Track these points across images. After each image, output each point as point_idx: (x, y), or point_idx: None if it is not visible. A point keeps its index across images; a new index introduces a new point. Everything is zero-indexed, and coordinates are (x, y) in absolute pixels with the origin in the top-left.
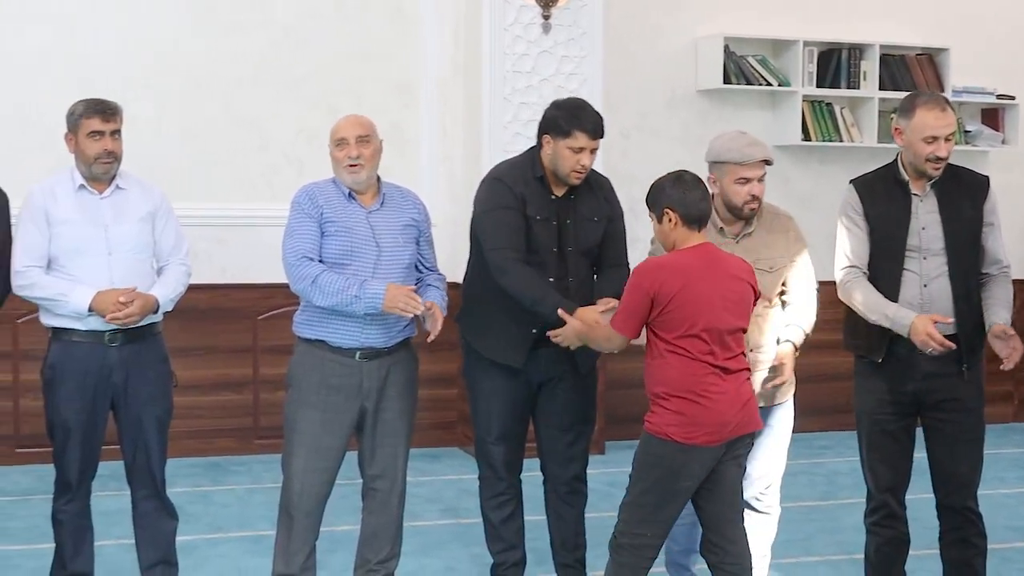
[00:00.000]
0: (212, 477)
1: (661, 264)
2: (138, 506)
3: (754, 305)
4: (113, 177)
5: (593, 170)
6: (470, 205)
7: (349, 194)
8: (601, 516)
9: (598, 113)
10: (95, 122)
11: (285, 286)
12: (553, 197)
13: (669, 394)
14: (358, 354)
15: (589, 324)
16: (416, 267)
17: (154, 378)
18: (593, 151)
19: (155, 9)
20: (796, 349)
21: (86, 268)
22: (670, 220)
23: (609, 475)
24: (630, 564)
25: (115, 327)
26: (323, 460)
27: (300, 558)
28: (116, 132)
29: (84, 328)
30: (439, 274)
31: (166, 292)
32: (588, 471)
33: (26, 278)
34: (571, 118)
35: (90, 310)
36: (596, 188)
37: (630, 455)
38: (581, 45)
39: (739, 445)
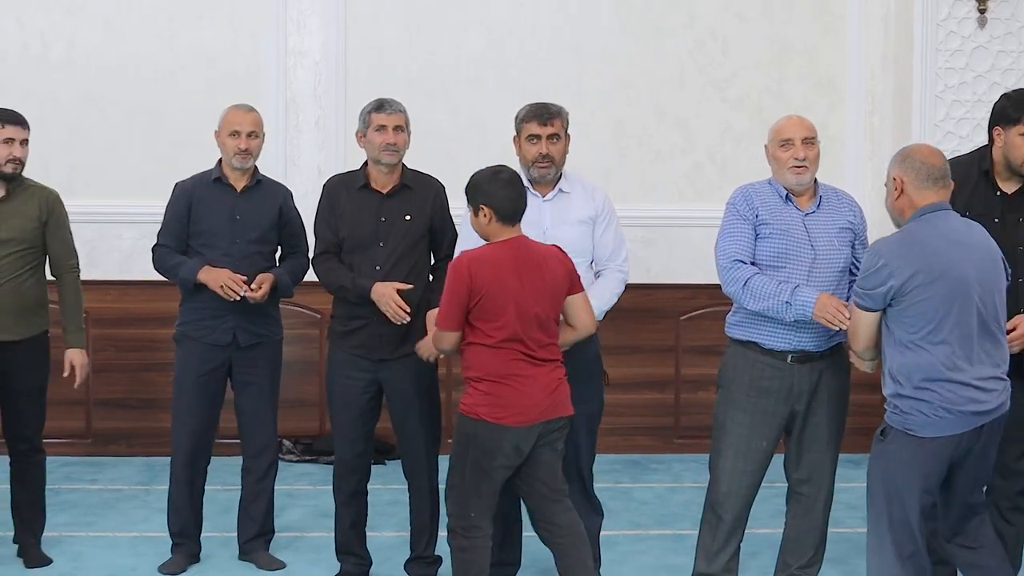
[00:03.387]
0: (632, 474)
1: (475, 257)
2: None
3: (570, 289)
4: (557, 180)
5: None
6: None
7: (786, 196)
8: None
9: None
10: (533, 126)
11: (709, 286)
12: (998, 193)
13: (481, 378)
14: (790, 357)
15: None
16: (850, 270)
17: (587, 376)
18: None
19: (584, 13)
20: None
21: None
22: (485, 215)
23: None
24: (469, 548)
25: None
26: (751, 462)
27: (723, 558)
28: (553, 136)
29: None
30: None
31: (601, 305)
32: None
33: None
34: (1020, 104)
35: None
36: None
37: None
38: (1020, 39)
39: (551, 430)
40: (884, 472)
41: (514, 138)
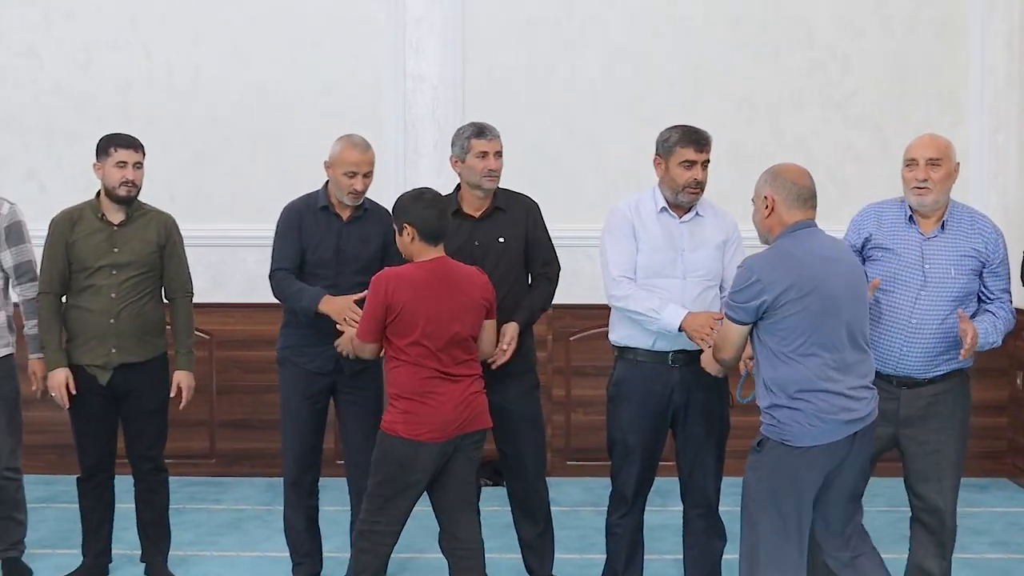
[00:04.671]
0: None
1: (395, 274)
2: (690, 523)
3: (486, 314)
4: (692, 204)
5: None
6: None
7: (910, 217)
8: None
9: None
10: (689, 151)
11: None
12: None
13: (399, 395)
14: (895, 381)
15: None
16: (979, 297)
17: (714, 398)
18: None
19: (701, 33)
20: None
21: (659, 290)
22: (408, 234)
23: None
24: (370, 550)
25: (679, 347)
26: None
27: None
28: (706, 163)
29: (650, 348)
30: (1002, 303)
31: None
32: None
33: (622, 288)
34: None
35: (680, 329)
36: None
37: None
38: None
39: (467, 441)
40: (758, 482)
41: (655, 159)
